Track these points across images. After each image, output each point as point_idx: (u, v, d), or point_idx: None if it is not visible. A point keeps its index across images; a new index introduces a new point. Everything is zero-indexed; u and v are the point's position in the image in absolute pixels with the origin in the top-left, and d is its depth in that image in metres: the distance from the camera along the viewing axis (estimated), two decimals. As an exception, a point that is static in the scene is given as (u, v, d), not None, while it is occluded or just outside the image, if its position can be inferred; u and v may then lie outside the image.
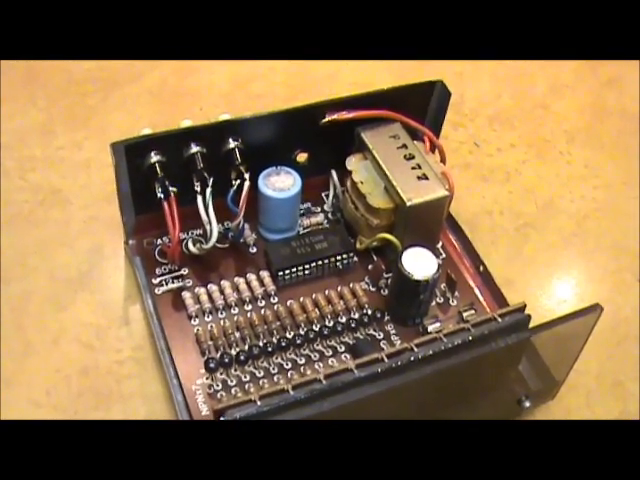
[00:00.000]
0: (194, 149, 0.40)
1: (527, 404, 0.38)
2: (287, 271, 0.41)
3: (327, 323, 0.40)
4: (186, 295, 0.40)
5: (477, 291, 0.42)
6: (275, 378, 0.38)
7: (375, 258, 0.43)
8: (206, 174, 0.40)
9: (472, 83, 0.57)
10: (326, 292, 0.41)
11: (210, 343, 0.38)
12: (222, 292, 0.40)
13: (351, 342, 0.39)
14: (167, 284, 0.41)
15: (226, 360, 0.37)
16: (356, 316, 0.40)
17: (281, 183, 0.41)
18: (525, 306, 0.35)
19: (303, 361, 0.38)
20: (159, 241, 0.42)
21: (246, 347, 0.38)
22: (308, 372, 0.38)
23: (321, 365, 0.38)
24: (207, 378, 0.37)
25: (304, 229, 0.44)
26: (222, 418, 0.30)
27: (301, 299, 0.41)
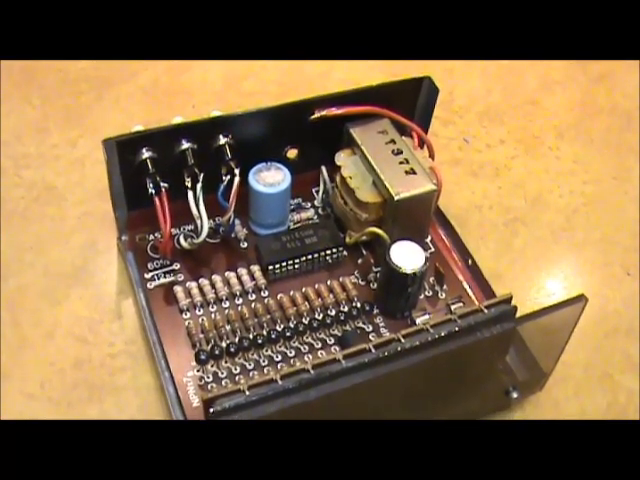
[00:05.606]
0: (185, 145, 0.40)
1: (515, 395, 0.38)
2: (277, 265, 0.41)
3: (317, 316, 0.40)
4: (178, 289, 0.41)
5: (466, 285, 0.43)
6: (265, 370, 0.38)
7: (364, 252, 0.43)
8: (197, 170, 0.40)
9: (462, 80, 0.57)
10: (316, 286, 0.41)
11: (201, 336, 0.39)
12: (213, 286, 0.41)
13: (340, 334, 0.40)
14: (159, 279, 0.41)
15: (217, 352, 0.38)
16: (345, 309, 0.41)
17: (271, 178, 0.42)
18: (511, 297, 0.35)
19: (293, 353, 0.39)
20: (151, 236, 0.43)
21: (237, 340, 0.39)
22: (297, 364, 0.38)
23: (310, 357, 0.39)
24: (198, 370, 0.38)
25: (294, 224, 0.44)
26: (211, 408, 0.30)
27: (291, 293, 0.41)
